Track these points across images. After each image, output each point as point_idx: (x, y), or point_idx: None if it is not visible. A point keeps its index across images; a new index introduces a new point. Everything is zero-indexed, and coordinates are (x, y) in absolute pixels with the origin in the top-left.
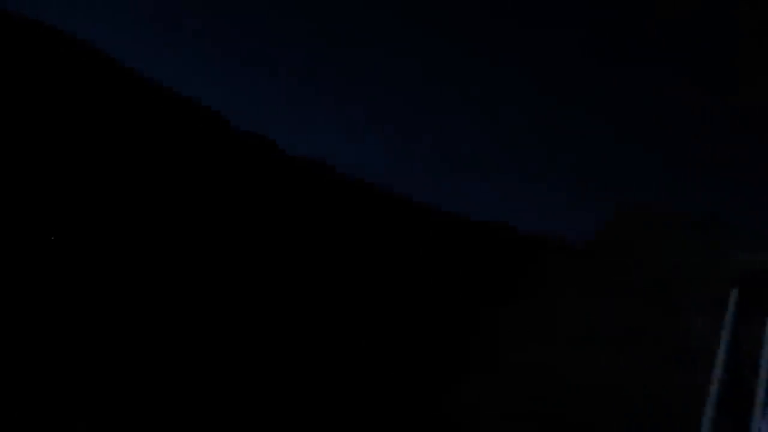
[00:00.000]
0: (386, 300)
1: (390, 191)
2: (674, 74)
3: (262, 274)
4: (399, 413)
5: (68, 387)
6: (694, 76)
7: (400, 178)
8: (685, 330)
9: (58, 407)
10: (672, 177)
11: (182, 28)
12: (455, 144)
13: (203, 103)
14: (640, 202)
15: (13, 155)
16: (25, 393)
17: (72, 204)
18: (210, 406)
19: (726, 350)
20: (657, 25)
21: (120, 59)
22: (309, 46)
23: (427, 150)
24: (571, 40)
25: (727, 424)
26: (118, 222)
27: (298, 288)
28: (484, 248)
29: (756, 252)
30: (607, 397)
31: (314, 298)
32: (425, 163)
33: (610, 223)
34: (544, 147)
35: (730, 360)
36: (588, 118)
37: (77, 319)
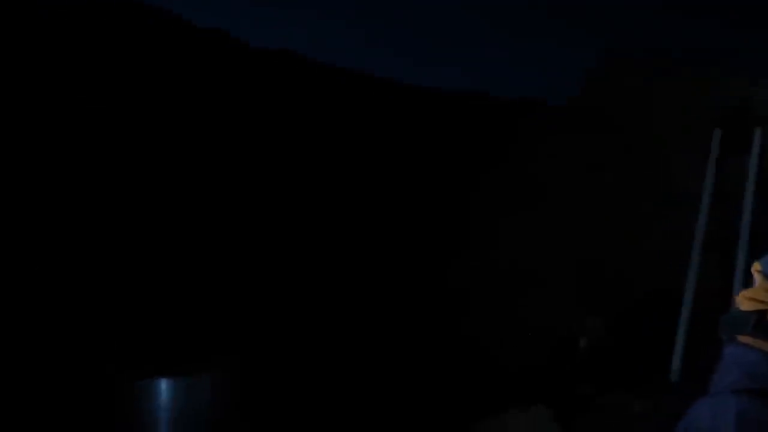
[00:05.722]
0: (376, 185)
1: (361, 74)
2: None
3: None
4: (399, 291)
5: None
6: None
7: (367, 60)
8: (672, 174)
9: None
10: (644, 18)
11: None
12: (415, 15)
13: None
14: (616, 51)
15: None
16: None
17: None
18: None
19: (710, 190)
20: None
21: None
22: None
23: (386, 25)
24: None
25: (713, 262)
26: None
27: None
28: (463, 120)
29: (737, 90)
30: (600, 244)
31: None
32: (385, 41)
33: (590, 76)
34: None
35: (715, 199)
36: None
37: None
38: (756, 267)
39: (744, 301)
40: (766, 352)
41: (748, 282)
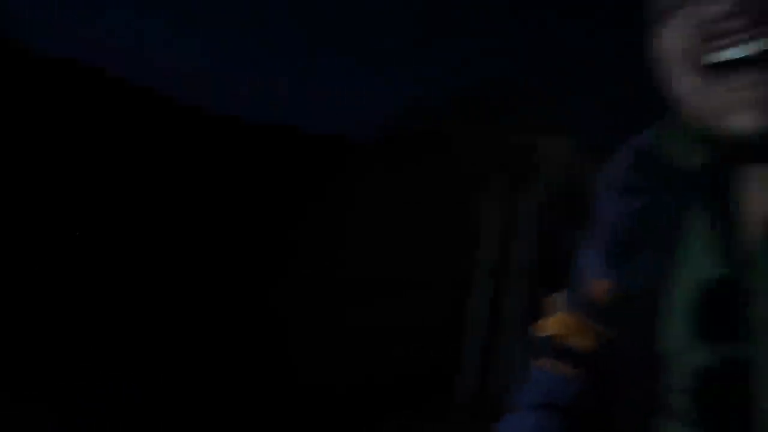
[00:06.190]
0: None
1: (170, 101)
2: None
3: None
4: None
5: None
6: None
7: (174, 86)
8: (468, 210)
9: None
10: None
11: None
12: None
13: None
14: (423, 92)
15: None
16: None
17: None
18: None
19: (500, 227)
20: None
21: None
22: None
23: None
24: None
25: (500, 291)
26: None
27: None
28: (273, 151)
29: (525, 136)
30: (404, 275)
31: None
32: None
33: (399, 113)
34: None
35: (504, 235)
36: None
37: None
38: (553, 300)
39: (544, 328)
40: (562, 374)
41: (539, 311)
